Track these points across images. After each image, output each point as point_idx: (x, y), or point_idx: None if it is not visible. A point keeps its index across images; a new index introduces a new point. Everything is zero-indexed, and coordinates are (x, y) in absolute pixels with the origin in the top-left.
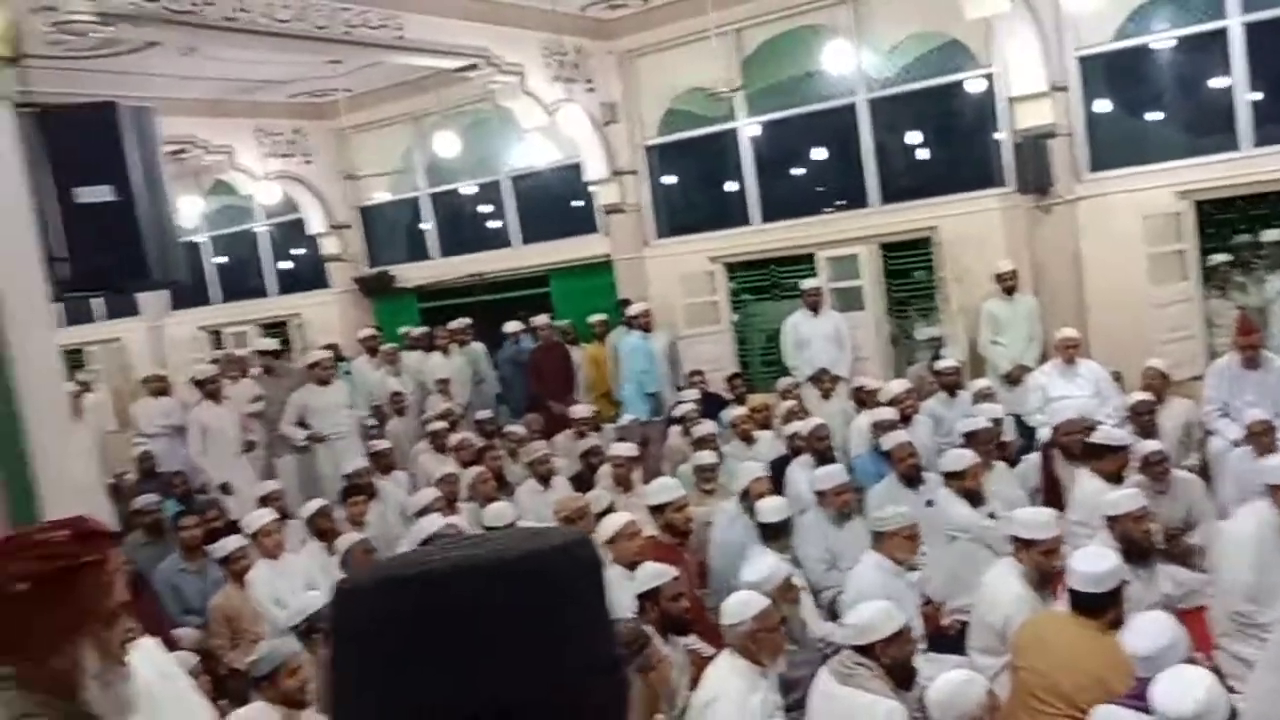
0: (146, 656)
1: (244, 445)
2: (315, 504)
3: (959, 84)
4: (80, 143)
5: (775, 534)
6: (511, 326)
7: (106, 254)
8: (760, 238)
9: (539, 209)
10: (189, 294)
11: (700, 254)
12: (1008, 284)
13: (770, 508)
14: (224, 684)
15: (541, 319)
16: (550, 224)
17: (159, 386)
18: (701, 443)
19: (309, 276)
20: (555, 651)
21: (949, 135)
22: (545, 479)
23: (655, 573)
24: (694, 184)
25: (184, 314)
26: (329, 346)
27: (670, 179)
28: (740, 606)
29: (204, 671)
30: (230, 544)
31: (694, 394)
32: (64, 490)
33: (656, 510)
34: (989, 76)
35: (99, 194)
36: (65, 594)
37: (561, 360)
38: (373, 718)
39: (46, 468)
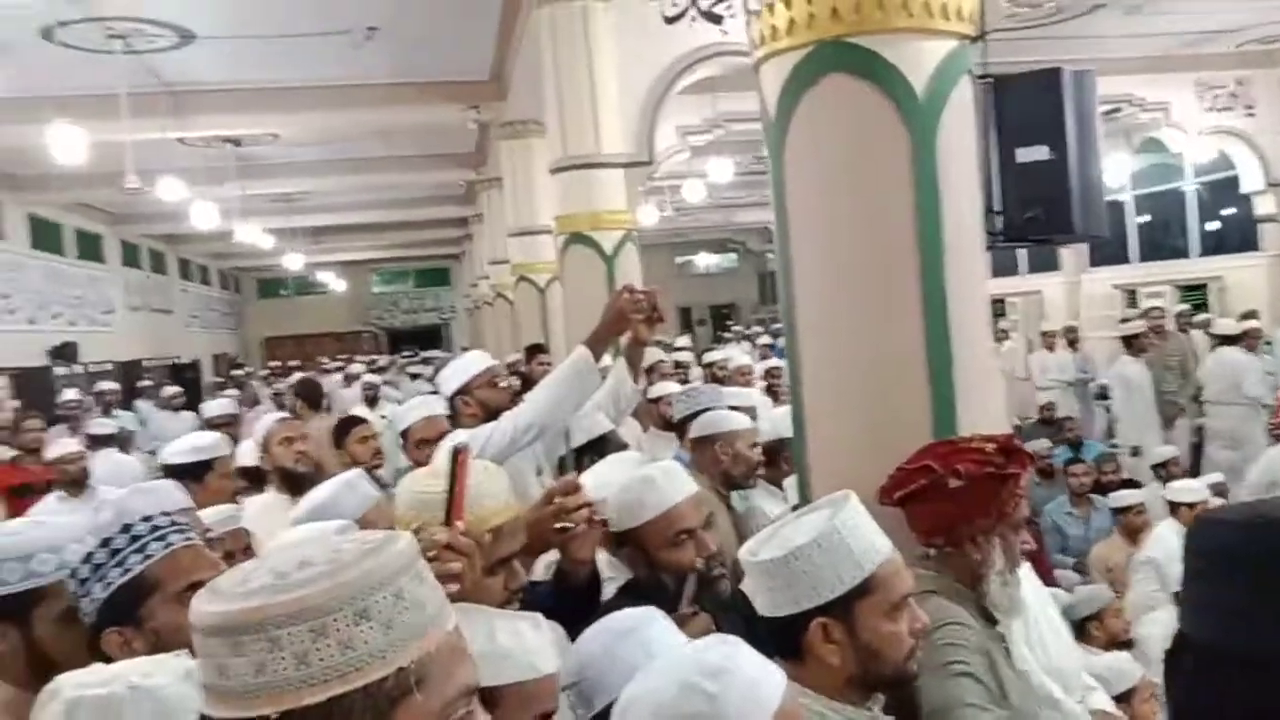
0: (1028, 575)
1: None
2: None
3: None
4: (1025, 107)
5: None
6: None
7: (1036, 208)
8: None
9: None
10: (1108, 252)
11: None
12: None
13: None
14: None
15: None
16: None
17: (1050, 341)
18: None
19: (1236, 239)
20: None
21: None
22: None
23: None
24: None
25: (1101, 271)
26: (1248, 314)
27: None
28: None
29: None
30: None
31: None
32: (978, 424)
33: None
34: None
35: (1036, 154)
36: (989, 496)
37: None
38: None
39: (968, 403)
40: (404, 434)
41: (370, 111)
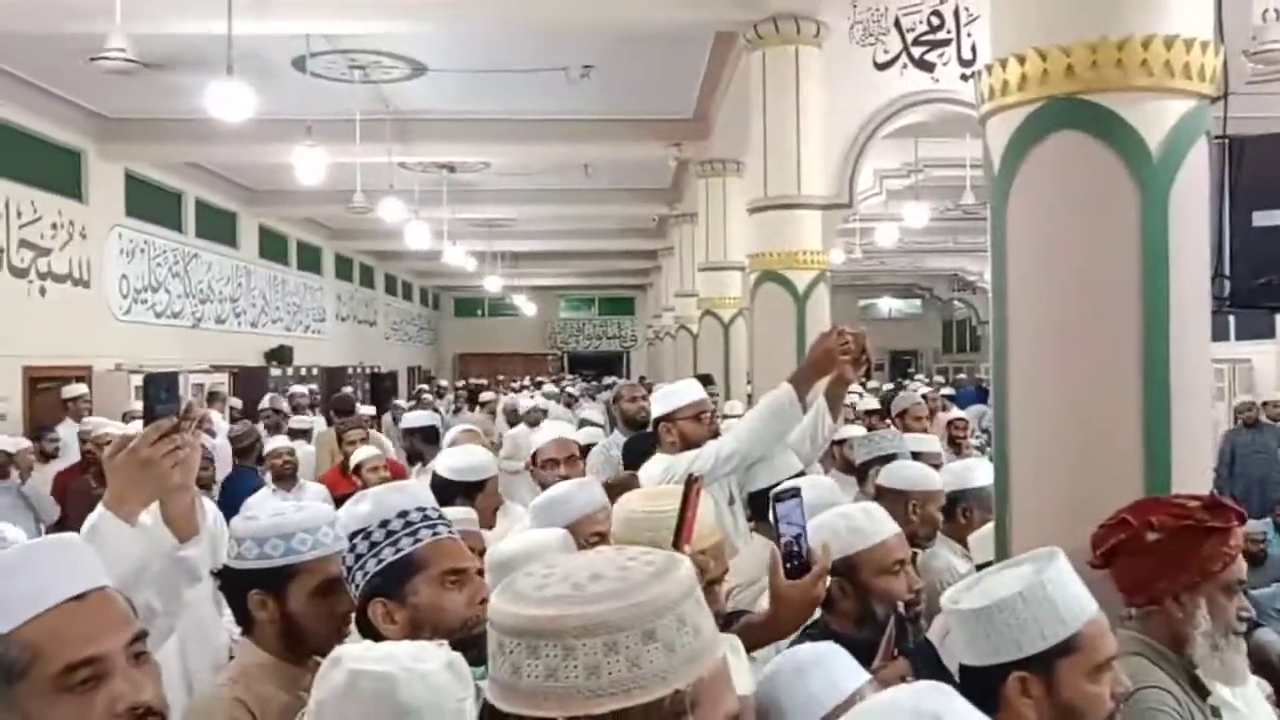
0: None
1: None
2: None
3: None
4: (1263, 169)
5: None
6: None
7: (1270, 273)
8: None
9: None
10: None
11: None
12: None
13: None
14: None
15: None
16: None
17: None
18: None
19: None
20: None
21: None
22: None
23: None
24: None
25: None
26: None
27: None
28: None
29: None
30: None
31: None
32: (1187, 482)
33: None
34: None
35: (1274, 218)
36: (1189, 550)
37: None
38: None
39: (1182, 467)
40: (534, 455)
41: (577, 145)
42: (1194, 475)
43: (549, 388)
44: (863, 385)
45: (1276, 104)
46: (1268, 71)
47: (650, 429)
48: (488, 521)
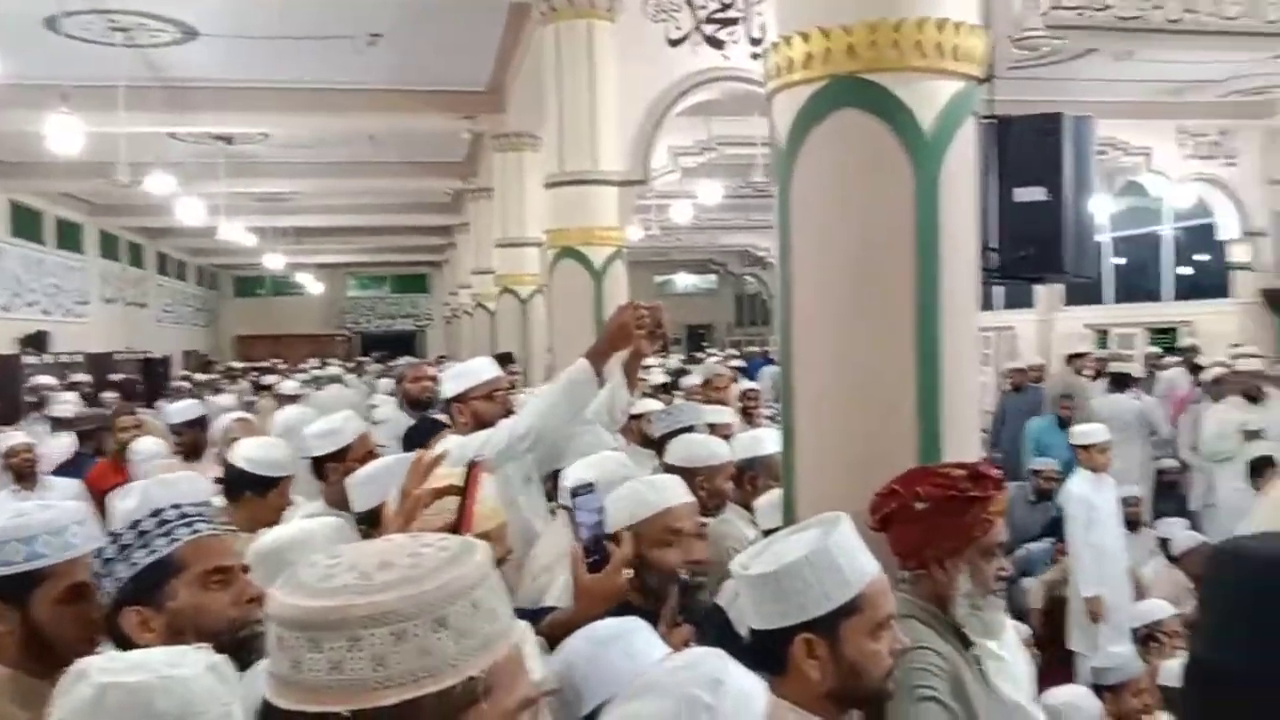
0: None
1: None
2: None
3: None
4: (1025, 148)
5: None
6: None
7: (1030, 247)
8: None
9: None
10: (1083, 291)
11: None
12: None
13: None
14: None
15: None
16: None
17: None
18: None
19: (1210, 284)
20: None
21: None
22: None
23: None
24: None
25: (1075, 310)
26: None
27: None
28: None
29: None
30: None
31: None
32: (960, 454)
33: None
34: None
35: (1033, 194)
36: (953, 519)
37: None
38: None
39: (952, 433)
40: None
41: (365, 117)
42: (964, 439)
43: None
44: (661, 359)
45: (1037, 88)
46: (1030, 57)
47: (441, 409)
48: (272, 522)
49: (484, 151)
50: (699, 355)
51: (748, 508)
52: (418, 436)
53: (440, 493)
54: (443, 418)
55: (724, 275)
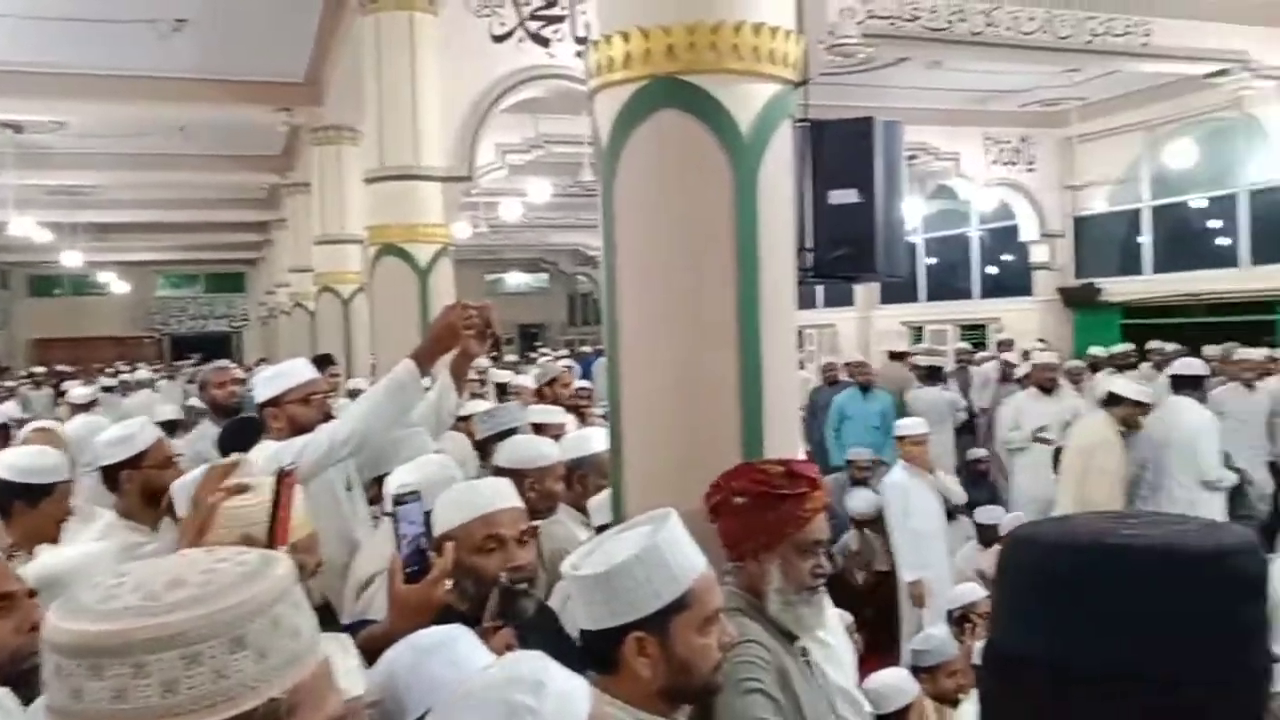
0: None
1: None
2: None
3: None
4: (838, 151)
5: None
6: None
7: (844, 247)
8: None
9: (1278, 228)
10: (898, 290)
11: None
12: None
13: None
14: None
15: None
16: None
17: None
18: None
19: (1013, 283)
20: (1241, 642)
21: None
22: None
23: None
24: None
25: (891, 308)
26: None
27: None
28: None
29: None
30: None
31: None
32: (782, 448)
33: None
34: None
35: (847, 196)
36: (766, 514)
37: None
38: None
39: (773, 428)
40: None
41: (171, 106)
42: (785, 435)
43: (143, 374)
44: (494, 360)
45: (853, 93)
46: (847, 63)
47: (255, 414)
48: (51, 534)
49: (302, 145)
50: (531, 355)
51: (579, 508)
52: (235, 440)
53: (232, 491)
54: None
55: (556, 274)
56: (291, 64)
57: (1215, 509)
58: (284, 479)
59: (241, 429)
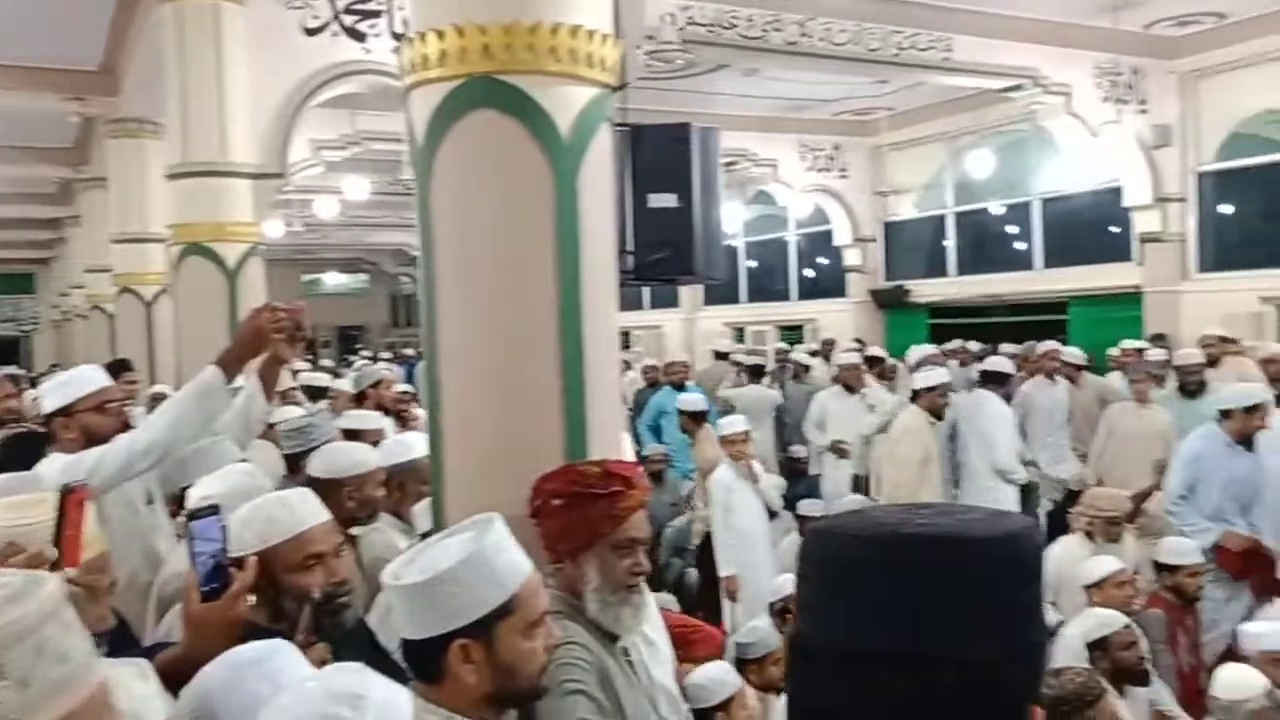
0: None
1: None
2: None
3: None
4: (657, 156)
5: None
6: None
7: (663, 250)
8: None
9: (1067, 233)
10: (721, 292)
11: (1250, 292)
12: None
13: None
14: None
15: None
16: (1077, 249)
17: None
18: None
19: (829, 285)
20: (1021, 621)
21: None
22: None
23: (1104, 620)
24: (1253, 215)
25: (714, 310)
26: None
27: (1225, 209)
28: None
29: None
30: None
31: None
32: (606, 449)
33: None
34: None
35: (666, 200)
36: (582, 515)
37: None
38: (836, 645)
39: (597, 428)
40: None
41: None
42: (608, 435)
43: None
44: (310, 363)
45: (668, 98)
46: (666, 68)
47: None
48: None
49: (96, 137)
50: (350, 358)
51: (399, 515)
52: (17, 455)
53: None
54: None
55: (377, 274)
56: (84, 52)
57: (1009, 499)
58: (70, 495)
59: (20, 444)
